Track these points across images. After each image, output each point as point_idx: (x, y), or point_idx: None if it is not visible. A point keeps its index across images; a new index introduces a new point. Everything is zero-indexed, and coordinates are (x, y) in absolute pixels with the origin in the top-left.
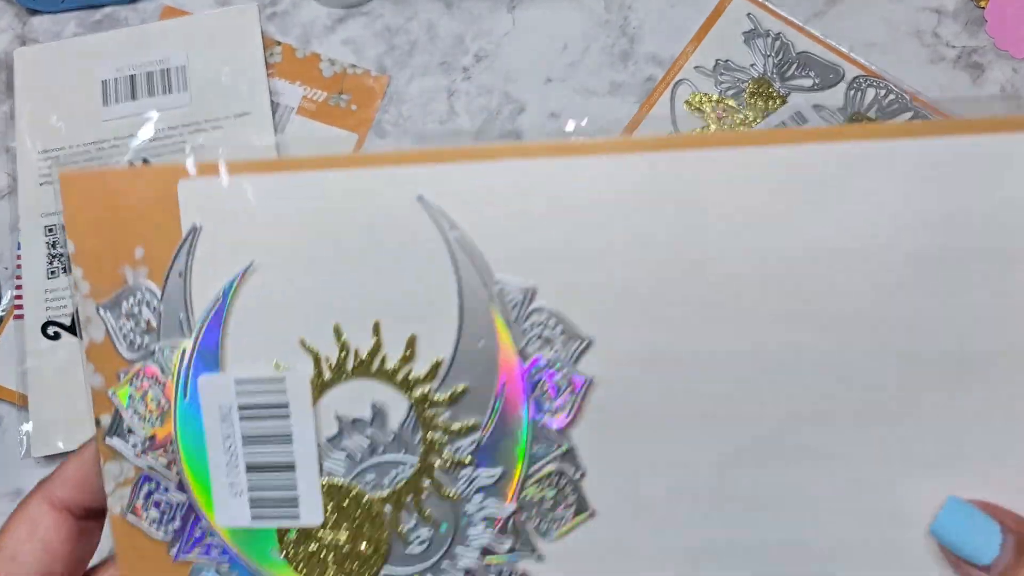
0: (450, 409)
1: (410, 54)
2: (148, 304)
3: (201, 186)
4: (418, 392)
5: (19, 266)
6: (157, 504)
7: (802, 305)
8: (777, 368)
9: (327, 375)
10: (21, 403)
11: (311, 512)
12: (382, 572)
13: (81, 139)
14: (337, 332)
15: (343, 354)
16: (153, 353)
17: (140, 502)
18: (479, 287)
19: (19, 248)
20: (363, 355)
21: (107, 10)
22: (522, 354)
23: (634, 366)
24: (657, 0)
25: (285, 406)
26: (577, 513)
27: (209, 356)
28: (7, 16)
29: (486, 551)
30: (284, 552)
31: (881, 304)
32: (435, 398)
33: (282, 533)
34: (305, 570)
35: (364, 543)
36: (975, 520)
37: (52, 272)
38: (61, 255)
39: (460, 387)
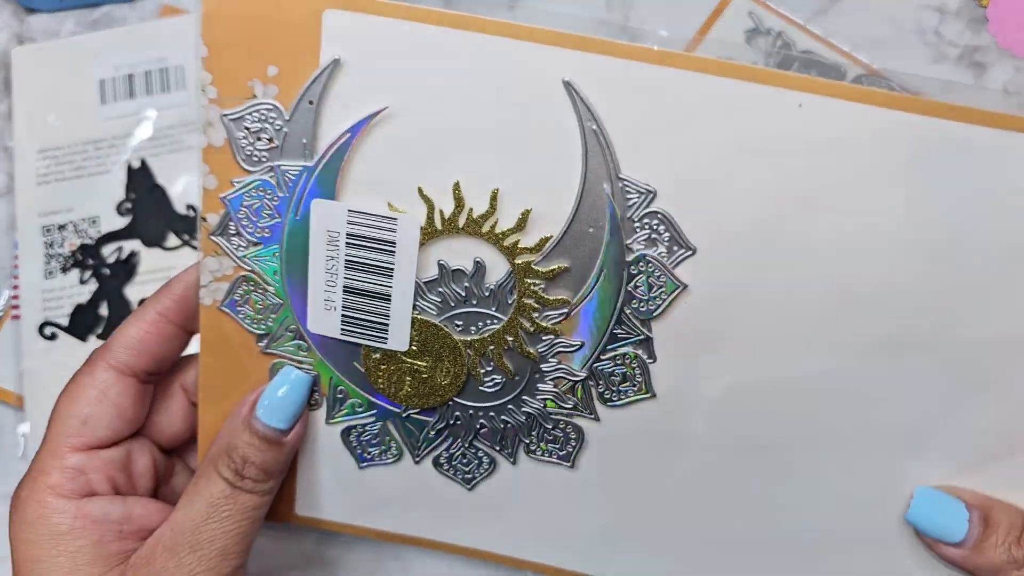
0: (547, 281)
1: None
2: (272, 123)
3: (349, 20)
4: (521, 260)
5: (16, 266)
6: (255, 302)
7: (891, 275)
8: (849, 316)
9: (438, 225)
10: (18, 404)
11: (399, 339)
12: (452, 400)
13: (79, 138)
14: (456, 189)
15: (457, 210)
16: (271, 169)
17: (238, 298)
18: (603, 179)
19: (16, 248)
20: (476, 216)
21: (105, 9)
22: (628, 248)
23: (726, 284)
24: None
25: (392, 243)
26: (639, 392)
27: (326, 183)
28: (4, 14)
29: (550, 404)
30: (366, 365)
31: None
32: (536, 269)
33: (368, 351)
34: (382, 384)
35: (442, 374)
36: (944, 504)
37: (49, 272)
38: (58, 255)
39: (561, 265)
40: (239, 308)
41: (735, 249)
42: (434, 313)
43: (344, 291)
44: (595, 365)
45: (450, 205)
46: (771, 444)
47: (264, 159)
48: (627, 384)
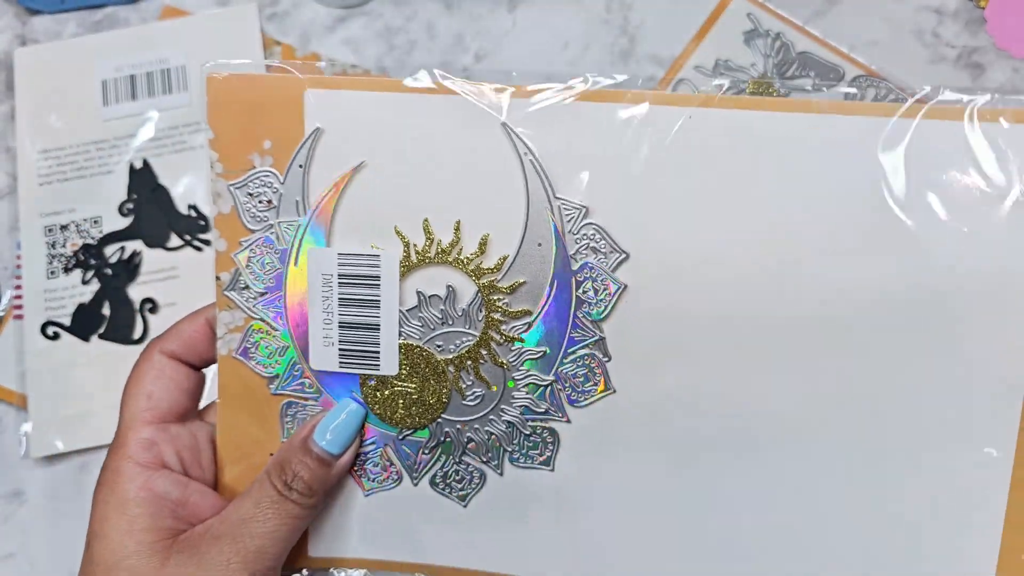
0: (509, 296)
1: (410, 54)
2: (270, 187)
3: (325, 96)
4: (485, 280)
5: (19, 266)
6: (264, 347)
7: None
8: (779, 299)
9: (414, 258)
10: (20, 403)
11: (389, 364)
12: (440, 418)
13: (81, 139)
14: (426, 225)
15: (428, 243)
16: (272, 226)
17: (249, 345)
18: (543, 201)
19: (19, 248)
20: (444, 246)
21: (107, 10)
22: (572, 258)
23: (660, 281)
24: None
25: (377, 278)
26: (601, 389)
27: (318, 233)
28: (7, 16)
29: (526, 410)
30: (364, 394)
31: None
32: (499, 286)
33: (364, 379)
34: (379, 409)
35: (429, 394)
36: None
37: (52, 272)
38: (61, 255)
39: (520, 280)
40: (251, 355)
41: (661, 249)
42: (417, 337)
43: (339, 326)
44: (560, 369)
45: (422, 239)
46: (722, 432)
47: (265, 218)
48: (590, 384)
